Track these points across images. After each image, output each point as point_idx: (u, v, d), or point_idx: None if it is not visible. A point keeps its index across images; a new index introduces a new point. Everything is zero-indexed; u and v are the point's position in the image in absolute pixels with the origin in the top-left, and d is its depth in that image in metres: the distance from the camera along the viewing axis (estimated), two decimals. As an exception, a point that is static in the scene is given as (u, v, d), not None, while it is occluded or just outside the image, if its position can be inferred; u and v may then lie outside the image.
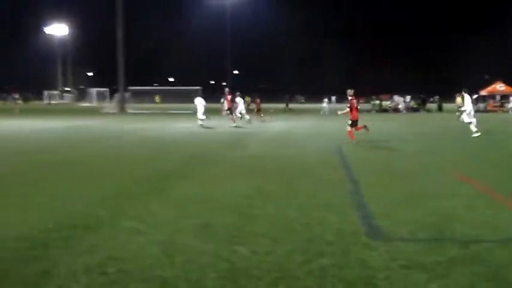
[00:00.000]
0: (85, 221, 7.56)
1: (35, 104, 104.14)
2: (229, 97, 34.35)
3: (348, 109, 21.00)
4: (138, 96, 66.59)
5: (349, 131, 20.95)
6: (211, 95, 74.84)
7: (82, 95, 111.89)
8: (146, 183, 11.10)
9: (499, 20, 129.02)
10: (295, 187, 10.52)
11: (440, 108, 63.20)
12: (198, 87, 57.75)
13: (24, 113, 54.98)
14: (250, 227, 7.34)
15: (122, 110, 60.09)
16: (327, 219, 7.69)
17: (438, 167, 13.56)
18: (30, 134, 26.40)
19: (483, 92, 68.24)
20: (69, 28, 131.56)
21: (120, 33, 62.39)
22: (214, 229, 7.20)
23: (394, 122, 38.19)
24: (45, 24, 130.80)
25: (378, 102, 64.59)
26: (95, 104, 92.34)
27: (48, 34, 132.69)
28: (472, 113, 23.57)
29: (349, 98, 21.03)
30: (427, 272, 5.47)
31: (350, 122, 20.98)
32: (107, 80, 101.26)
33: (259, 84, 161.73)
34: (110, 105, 66.04)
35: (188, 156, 16.20)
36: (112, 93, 74.14)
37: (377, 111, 59.90)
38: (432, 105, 67.76)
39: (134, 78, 72.39)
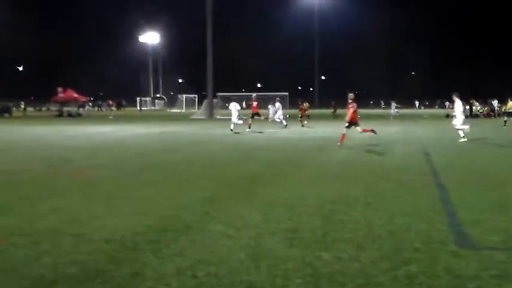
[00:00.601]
0: (175, 225, 7.75)
1: (127, 110, 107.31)
2: (254, 103, 33.87)
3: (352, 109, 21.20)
4: (227, 102, 67.54)
5: (343, 134, 21.48)
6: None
7: (172, 102, 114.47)
8: (234, 187, 11.27)
9: None
10: (379, 193, 10.39)
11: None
12: (285, 93, 58.06)
13: (118, 119, 56.79)
14: (335, 232, 7.32)
15: (210, 116, 61.01)
16: (413, 226, 7.57)
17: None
18: (122, 139, 27.21)
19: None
20: (161, 36, 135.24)
21: (209, 40, 63.43)
22: (299, 234, 7.22)
23: (483, 127, 36.98)
24: (139, 33, 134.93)
25: (467, 107, 62.68)
26: (184, 110, 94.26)
27: (142, 42, 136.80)
28: (462, 117, 23.04)
29: (350, 101, 21.27)
30: (519, 282, 5.30)
31: (346, 124, 21.39)
32: (197, 86, 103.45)
33: (345, 90, 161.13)
34: (199, 112, 67.24)
35: (274, 161, 16.28)
36: (201, 99, 75.46)
37: (467, 116, 58.16)
38: None
39: (223, 85, 73.36)
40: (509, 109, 39.76)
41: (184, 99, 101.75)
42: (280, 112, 36.29)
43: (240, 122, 31.20)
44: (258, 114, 33.16)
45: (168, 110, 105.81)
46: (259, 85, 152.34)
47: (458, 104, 23.94)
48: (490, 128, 35.55)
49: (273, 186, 11.38)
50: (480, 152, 18.78)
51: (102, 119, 55.36)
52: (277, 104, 36.86)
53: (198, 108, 71.67)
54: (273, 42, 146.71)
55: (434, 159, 16.66)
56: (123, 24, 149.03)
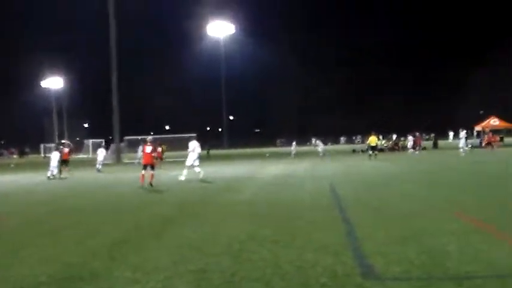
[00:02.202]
0: (80, 273, 7.56)
1: (31, 157, 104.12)
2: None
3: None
4: (135, 145, 66.80)
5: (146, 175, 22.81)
6: (208, 141, 75.13)
7: (79, 147, 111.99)
8: (142, 231, 11.12)
9: (493, 55, 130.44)
10: (288, 230, 10.51)
11: (435, 146, 63.41)
12: (193, 134, 57.99)
13: (20, 166, 55.03)
14: (243, 271, 7.34)
15: (118, 160, 60.10)
16: (320, 261, 7.70)
17: (435, 205, 13.57)
18: (26, 186, 26.39)
19: (477, 127, 68.77)
20: (64, 81, 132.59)
21: (114, 83, 62.77)
22: (208, 275, 7.20)
23: (389, 161, 38.21)
24: (42, 78, 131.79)
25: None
26: (91, 155, 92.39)
27: (44, 87, 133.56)
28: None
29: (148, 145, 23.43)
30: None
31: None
32: (103, 131, 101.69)
33: (255, 129, 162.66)
34: (105, 156, 66.03)
35: (184, 203, 16.20)
36: (107, 144, 74.29)
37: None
38: (427, 143, 67.96)
39: (129, 128, 72.52)
40: (371, 143, 41.87)
41: (90, 144, 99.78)
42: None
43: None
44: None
45: (74, 156, 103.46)
46: (167, 127, 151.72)
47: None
48: (395, 161, 36.72)
49: (183, 228, 11.31)
50: (385, 186, 19.33)
51: (3, 168, 53.46)
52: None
53: (105, 153, 70.32)
54: (180, 83, 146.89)
55: (341, 194, 17.02)
56: (24, 70, 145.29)
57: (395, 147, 61.67)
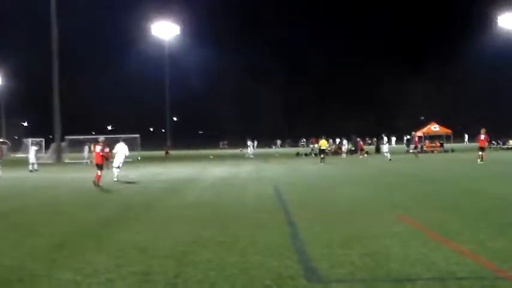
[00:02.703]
0: (19, 275, 7.36)
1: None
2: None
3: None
4: (77, 145, 65.61)
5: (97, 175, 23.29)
6: (152, 142, 74.45)
7: (17, 146, 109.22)
8: (85, 233, 10.93)
9: (434, 61, 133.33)
10: (233, 232, 10.49)
11: (378, 150, 64.40)
12: (136, 135, 57.44)
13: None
14: (187, 274, 7.27)
15: (59, 159, 58.99)
16: (265, 264, 7.69)
17: (376, 207, 13.77)
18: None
19: (418, 133, 70.26)
20: (2, 77, 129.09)
21: (55, 81, 61.55)
22: (151, 277, 7.12)
23: (334, 165, 38.61)
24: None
25: (317, 145, 65.21)
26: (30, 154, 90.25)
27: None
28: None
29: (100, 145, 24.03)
30: (364, 312, 5.52)
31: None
32: (43, 129, 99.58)
33: (199, 131, 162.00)
34: (46, 155, 64.73)
35: (127, 205, 16.00)
36: (48, 143, 72.80)
37: (316, 154, 60.50)
38: (370, 147, 68.98)
39: (71, 127, 71.24)
40: (321, 146, 42.42)
41: (30, 143, 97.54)
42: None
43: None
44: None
45: (12, 155, 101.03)
46: (109, 127, 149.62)
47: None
48: (339, 164, 37.12)
49: (125, 230, 11.16)
50: (329, 189, 19.50)
51: None
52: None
53: (45, 152, 68.90)
54: (124, 83, 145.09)
55: (285, 197, 17.09)
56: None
57: (338, 151, 62.33)
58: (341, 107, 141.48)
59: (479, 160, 33.52)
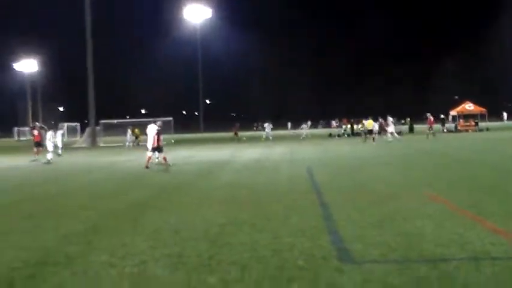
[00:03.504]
0: (55, 257, 7.48)
1: (2, 141, 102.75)
2: (35, 132, 33.55)
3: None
4: (111, 129, 66.26)
5: (148, 157, 24.01)
6: (187, 126, 74.76)
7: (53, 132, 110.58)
8: (119, 215, 11.06)
9: (468, 40, 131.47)
10: (265, 214, 10.51)
11: (411, 130, 63.87)
12: (170, 118, 57.76)
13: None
14: (221, 255, 7.31)
15: (93, 143, 59.70)
16: (297, 245, 7.70)
17: (409, 188, 13.67)
18: None
19: (453, 112, 69.37)
20: (38, 63, 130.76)
21: (90, 66, 62.17)
22: (185, 259, 7.17)
23: (362, 145, 38.39)
24: (14, 60, 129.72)
25: (349, 126, 64.94)
26: (66, 139, 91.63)
27: (18, 70, 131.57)
28: None
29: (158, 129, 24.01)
30: (398, 293, 5.50)
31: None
32: (78, 114, 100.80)
33: (231, 113, 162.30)
34: (81, 140, 65.61)
35: (161, 187, 16.13)
36: (83, 127, 73.74)
37: (349, 135, 60.26)
38: (403, 127, 68.36)
39: (105, 112, 72.05)
40: (368, 127, 42.68)
41: (65, 128, 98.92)
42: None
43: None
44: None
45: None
46: (143, 111, 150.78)
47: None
48: (370, 145, 36.90)
49: (160, 212, 11.25)
50: (361, 170, 19.41)
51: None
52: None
53: (80, 137, 69.88)
54: (157, 66, 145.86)
55: (318, 178, 17.06)
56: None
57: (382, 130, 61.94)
58: (373, 88, 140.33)
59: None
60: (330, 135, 61.21)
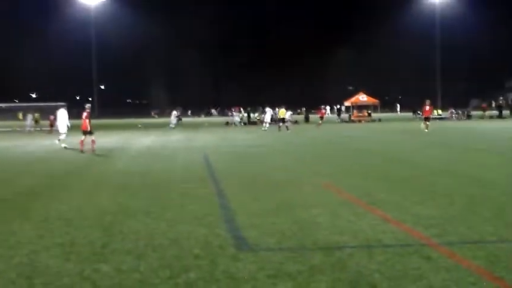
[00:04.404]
0: None
1: None
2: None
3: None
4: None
5: (81, 140, 23.73)
6: (77, 111, 72.49)
7: None
8: (7, 203, 10.60)
9: (362, 32, 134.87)
10: (162, 202, 10.39)
11: (307, 120, 65.10)
12: (62, 103, 55.89)
13: None
14: (115, 244, 7.16)
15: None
16: (194, 233, 7.65)
17: (306, 177, 13.88)
18: None
19: (347, 103, 71.34)
20: None
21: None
22: (77, 248, 6.96)
23: (260, 134, 38.76)
24: None
25: (245, 114, 65.43)
26: None
27: None
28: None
29: (87, 112, 23.99)
30: (293, 280, 5.56)
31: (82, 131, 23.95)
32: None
33: (127, 99, 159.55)
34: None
35: (53, 174, 15.60)
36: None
37: (245, 123, 60.65)
38: (299, 117, 69.60)
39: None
40: (280, 115, 43.50)
41: None
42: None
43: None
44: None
45: None
46: (34, 95, 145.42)
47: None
48: (269, 134, 37.26)
49: (50, 200, 10.88)
50: (258, 158, 19.56)
51: None
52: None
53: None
54: (48, 50, 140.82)
55: (215, 166, 17.04)
56: None
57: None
58: (269, 78, 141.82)
59: (425, 129, 35.52)
60: (227, 123, 61.34)
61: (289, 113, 47.93)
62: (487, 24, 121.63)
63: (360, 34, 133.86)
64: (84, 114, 24.03)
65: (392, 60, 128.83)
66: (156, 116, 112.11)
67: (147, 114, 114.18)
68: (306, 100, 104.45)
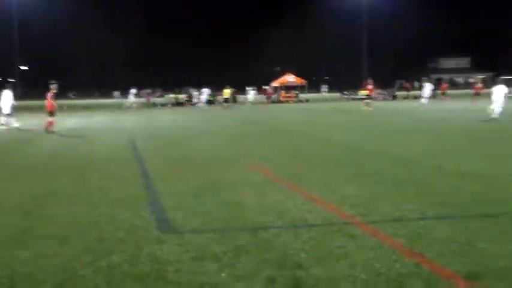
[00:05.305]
0: None
1: None
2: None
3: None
4: None
5: (48, 122, 23.21)
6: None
7: None
8: None
9: (292, 12, 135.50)
10: (85, 184, 10.17)
11: (234, 100, 65.08)
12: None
13: None
14: (36, 228, 6.94)
15: None
16: (118, 216, 7.50)
17: (234, 158, 13.85)
18: None
19: (275, 83, 71.68)
20: None
21: None
22: (-5, 233, 6.72)
23: (188, 115, 38.52)
24: None
25: (173, 95, 64.87)
26: None
27: None
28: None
29: (52, 92, 23.70)
30: (218, 262, 5.52)
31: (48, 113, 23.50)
32: None
33: (50, 81, 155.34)
34: None
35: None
36: None
37: (173, 104, 60.13)
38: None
39: None
40: (225, 95, 44.91)
41: None
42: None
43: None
44: None
45: None
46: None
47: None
48: (198, 115, 37.06)
49: (-33, 184, 10.48)
50: (185, 140, 19.40)
51: None
52: None
53: None
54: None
55: (141, 147, 16.82)
56: None
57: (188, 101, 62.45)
58: (196, 58, 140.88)
59: (369, 108, 37.04)
60: (154, 104, 60.60)
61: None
62: (413, 6, 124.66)
63: (287, 15, 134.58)
64: (49, 94, 23.34)
65: (320, 41, 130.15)
66: (74, 97, 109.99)
67: (67, 96, 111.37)
68: (232, 81, 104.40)
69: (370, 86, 39.34)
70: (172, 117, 36.16)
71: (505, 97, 25.24)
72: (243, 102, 49.68)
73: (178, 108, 52.04)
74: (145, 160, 13.73)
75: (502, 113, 24.49)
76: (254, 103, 57.20)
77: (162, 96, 63.55)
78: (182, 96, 65.96)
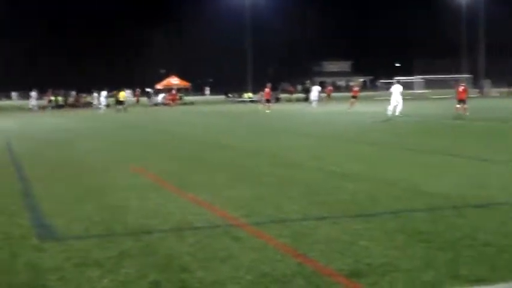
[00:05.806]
0: None
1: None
2: None
3: None
4: None
5: None
6: None
7: None
8: None
9: (175, 14, 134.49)
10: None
11: (118, 103, 63.82)
12: None
13: None
14: None
15: None
16: (-8, 223, 7.15)
17: (116, 162, 13.61)
18: None
19: (159, 86, 71.04)
20: None
21: None
22: None
23: (67, 118, 37.49)
24: None
25: (55, 98, 62.65)
26: None
27: None
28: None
29: None
30: (100, 268, 5.36)
31: None
32: None
33: None
34: None
35: None
36: None
37: (53, 107, 58.21)
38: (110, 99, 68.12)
39: None
40: (120, 98, 46.04)
41: None
42: None
43: None
44: None
45: None
46: None
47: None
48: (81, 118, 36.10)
49: None
50: (67, 143, 18.86)
51: None
52: None
53: None
54: None
55: (18, 151, 16.18)
56: None
57: (76, 104, 60.85)
58: (75, 59, 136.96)
59: (266, 110, 38.44)
60: (30, 108, 58.31)
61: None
62: (298, 10, 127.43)
63: (172, 17, 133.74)
64: None
65: (205, 43, 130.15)
66: None
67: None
68: (115, 83, 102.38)
69: (267, 90, 40.78)
70: (54, 120, 35.04)
71: (401, 95, 27.29)
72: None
73: (59, 111, 50.45)
74: (24, 164, 13.22)
75: (401, 112, 26.35)
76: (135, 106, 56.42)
77: (40, 98, 60.81)
78: (62, 99, 63.85)
